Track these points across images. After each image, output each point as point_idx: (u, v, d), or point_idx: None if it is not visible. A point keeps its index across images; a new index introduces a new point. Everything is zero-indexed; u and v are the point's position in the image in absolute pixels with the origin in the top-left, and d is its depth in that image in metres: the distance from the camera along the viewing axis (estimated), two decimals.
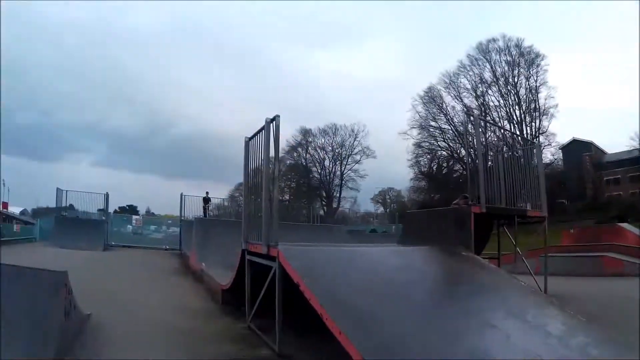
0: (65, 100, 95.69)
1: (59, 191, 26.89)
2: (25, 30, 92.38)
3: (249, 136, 8.06)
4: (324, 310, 4.82)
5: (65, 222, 25.55)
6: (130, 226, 31.96)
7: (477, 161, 9.31)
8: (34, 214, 69.84)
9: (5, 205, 61.41)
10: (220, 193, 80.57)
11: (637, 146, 54.09)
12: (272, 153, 6.97)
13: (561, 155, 61.14)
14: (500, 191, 10.04)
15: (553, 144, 58.33)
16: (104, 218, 27.96)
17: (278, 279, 6.32)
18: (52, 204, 29.09)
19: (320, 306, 4.91)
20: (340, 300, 5.24)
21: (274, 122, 6.83)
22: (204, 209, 28.50)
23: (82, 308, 7.10)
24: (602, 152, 62.60)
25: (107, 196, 28.21)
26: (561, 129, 73.43)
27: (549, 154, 57.36)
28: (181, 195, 27.09)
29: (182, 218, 26.92)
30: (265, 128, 7.03)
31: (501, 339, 4.88)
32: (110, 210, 31.77)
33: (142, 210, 64.85)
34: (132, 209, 62.48)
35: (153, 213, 61.23)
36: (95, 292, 9.69)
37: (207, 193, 29.23)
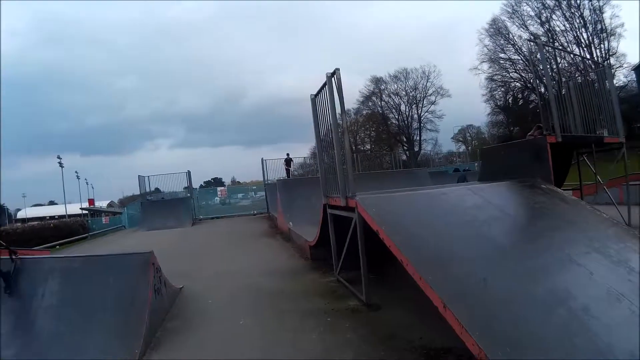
0: (131, 96, 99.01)
1: (140, 178, 28.05)
2: (75, 40, 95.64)
3: (314, 93, 7.92)
4: (404, 257, 4.70)
5: (151, 206, 26.66)
6: (217, 198, 32.93)
7: (548, 90, 8.73)
8: (121, 204, 73.58)
9: (91, 201, 65.41)
10: (300, 152, 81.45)
11: None
12: (338, 107, 6.79)
13: (634, 76, 57.16)
14: (575, 119, 9.46)
15: (625, 65, 54.29)
16: (189, 195, 28.81)
17: (359, 229, 6.27)
18: (137, 192, 30.37)
19: (400, 253, 4.80)
20: (421, 245, 5.10)
21: (335, 76, 6.62)
22: (287, 170, 28.67)
23: (173, 283, 7.35)
24: None
25: (189, 174, 29.19)
26: (631, 49, 68.39)
27: (622, 76, 53.44)
28: (262, 160, 27.39)
29: (266, 182, 27.18)
30: (327, 83, 6.86)
31: (583, 275, 4.60)
32: (196, 186, 32.86)
33: (227, 181, 66.71)
34: (217, 182, 64.42)
35: (238, 182, 63.01)
36: (185, 266, 10.14)
37: (287, 154, 29.29)
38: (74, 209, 61.71)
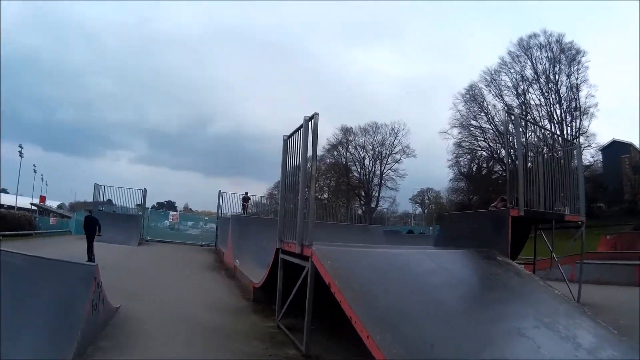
0: (107, 100, 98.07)
1: (96, 186, 27.64)
2: (64, 31, 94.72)
3: (288, 134, 8.03)
4: (354, 313, 4.79)
5: (102, 217, 25.94)
6: (167, 221, 32.59)
7: (517, 162, 9.06)
8: (71, 208, 71.73)
9: (42, 199, 63.42)
10: (258, 191, 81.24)
11: None
12: (310, 152, 6.90)
13: (601, 157, 59.60)
14: (539, 194, 9.81)
15: (593, 145, 56.55)
16: (140, 213, 28.38)
17: (310, 279, 6.31)
18: (90, 199, 29.79)
19: (350, 309, 4.89)
20: (371, 303, 5.21)
21: (313, 120, 6.79)
22: (243, 207, 29.11)
23: (111, 301, 7.19)
24: None
25: (144, 192, 28.89)
26: (601, 129, 71.70)
27: (589, 155, 55.70)
28: (219, 192, 27.63)
29: (220, 215, 27.23)
30: (303, 126, 7.00)
31: (531, 349, 4.81)
32: (148, 206, 32.44)
33: (180, 206, 65.94)
34: (170, 205, 63.63)
35: (191, 209, 62.34)
36: (126, 285, 9.94)
37: (246, 193, 29.91)
38: (24, 202, 59.71)
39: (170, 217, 33.63)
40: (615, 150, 58.48)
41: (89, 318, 5.50)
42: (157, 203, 61.14)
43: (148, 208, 31.56)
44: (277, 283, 8.05)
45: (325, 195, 68.87)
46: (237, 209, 28.37)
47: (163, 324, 7.43)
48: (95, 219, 16.29)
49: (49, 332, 4.99)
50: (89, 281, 5.68)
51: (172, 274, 13.96)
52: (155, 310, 8.29)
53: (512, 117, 10.55)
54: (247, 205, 29.70)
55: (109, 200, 29.81)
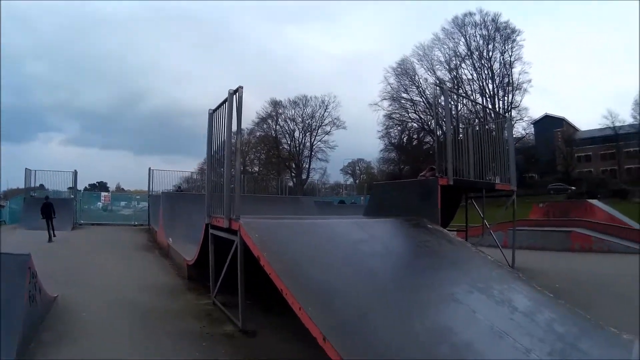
0: (39, 82, 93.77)
1: (27, 172, 26.30)
2: None
3: (213, 108, 7.88)
4: (284, 286, 4.74)
5: (34, 203, 24.99)
6: (100, 203, 31.64)
7: (446, 134, 9.23)
8: (4, 197, 68.52)
9: None
10: (190, 166, 79.85)
11: (610, 124, 55.16)
12: (235, 125, 6.81)
13: (533, 130, 61.93)
14: (469, 164, 10.05)
15: (525, 119, 59.07)
16: (72, 196, 27.46)
17: (240, 254, 6.27)
18: (22, 185, 28.58)
19: (280, 281, 4.84)
20: (302, 274, 5.17)
21: (237, 94, 6.65)
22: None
23: (48, 290, 6.96)
24: (575, 128, 63.81)
25: (75, 174, 27.74)
26: (535, 105, 74.76)
27: (521, 128, 58.30)
28: (149, 169, 26.58)
29: (151, 193, 26.51)
30: (228, 100, 6.86)
31: (466, 314, 4.86)
32: (80, 188, 31.40)
33: (112, 187, 64.13)
34: (102, 186, 61.65)
35: (123, 189, 60.68)
36: (62, 272, 9.68)
37: (179, 188, 28.84)
38: None
39: (102, 198, 32.57)
40: (547, 124, 61.36)
41: (27, 311, 5.25)
42: (89, 185, 59.30)
43: (80, 190, 30.59)
44: (210, 259, 7.99)
45: (256, 169, 69.34)
46: (168, 185, 27.54)
47: (102, 309, 7.23)
48: (50, 204, 19.32)
49: None
50: (23, 272, 5.40)
51: (107, 258, 13.58)
52: (93, 296, 8.05)
53: (442, 89, 10.62)
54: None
55: (42, 185, 28.37)
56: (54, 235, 18.24)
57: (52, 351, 5.30)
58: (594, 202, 23.52)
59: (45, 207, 18.95)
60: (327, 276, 5.28)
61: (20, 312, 5.04)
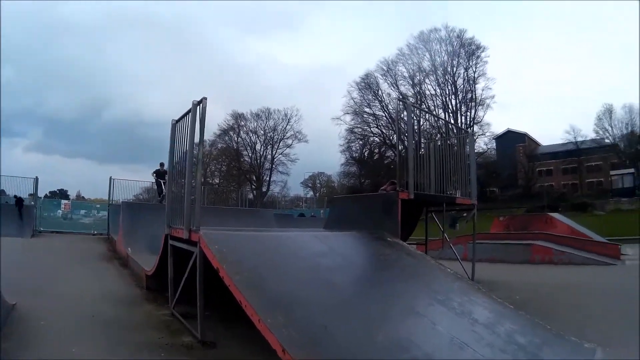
0: (8, 88, 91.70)
1: None
2: None
3: (177, 119, 7.87)
4: (243, 297, 4.73)
5: None
6: (60, 211, 31.07)
7: (407, 148, 9.40)
8: None
9: None
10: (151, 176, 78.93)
11: (572, 139, 56.67)
12: (197, 136, 6.82)
13: (495, 145, 63.17)
14: (430, 178, 10.22)
15: (487, 134, 60.56)
16: (32, 203, 26.92)
17: (199, 265, 6.25)
18: None
19: (239, 293, 4.83)
20: (261, 286, 5.19)
21: (201, 105, 6.68)
22: (158, 184, 22.26)
23: (7, 298, 6.85)
24: (536, 143, 65.50)
25: (36, 180, 27.16)
26: (497, 120, 76.34)
27: (483, 143, 59.58)
28: (110, 178, 26.17)
29: (111, 202, 26.08)
30: (191, 111, 6.86)
31: (426, 326, 4.93)
32: (41, 195, 30.84)
33: (73, 194, 63.05)
34: (62, 194, 60.50)
35: (83, 197, 59.64)
36: (20, 281, 9.36)
37: (161, 164, 21.53)
38: None
39: (62, 206, 32.05)
40: (509, 139, 62.81)
41: None
42: (50, 192, 58.20)
43: (40, 197, 30.04)
44: (169, 270, 7.94)
45: (217, 180, 69.15)
46: (129, 195, 27.26)
47: (61, 319, 7.08)
48: (22, 199, 24.19)
49: None
50: None
51: (66, 267, 13.32)
52: (52, 305, 7.86)
53: (405, 104, 10.82)
54: (164, 181, 19.91)
55: (2, 191, 27.90)
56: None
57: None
58: (555, 215, 24.03)
59: (19, 200, 23.99)
60: (287, 288, 5.33)
61: None
